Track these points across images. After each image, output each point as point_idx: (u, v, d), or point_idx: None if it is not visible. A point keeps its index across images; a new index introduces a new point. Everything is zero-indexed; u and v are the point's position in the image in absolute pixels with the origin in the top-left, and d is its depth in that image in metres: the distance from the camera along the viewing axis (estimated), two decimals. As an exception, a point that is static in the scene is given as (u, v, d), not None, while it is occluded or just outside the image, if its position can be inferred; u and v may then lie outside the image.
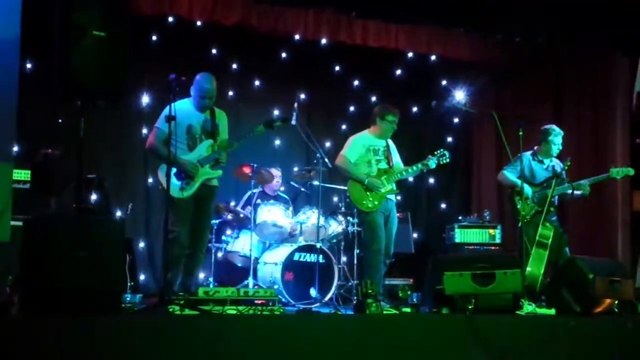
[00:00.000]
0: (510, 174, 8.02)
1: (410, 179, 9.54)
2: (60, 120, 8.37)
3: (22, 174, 7.17)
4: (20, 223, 5.00)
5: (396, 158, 7.88)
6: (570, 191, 7.79)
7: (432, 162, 7.69)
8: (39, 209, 7.46)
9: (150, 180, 9.08)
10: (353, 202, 7.68)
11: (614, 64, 9.73)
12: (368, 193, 7.49)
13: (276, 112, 9.75)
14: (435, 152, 7.77)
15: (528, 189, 7.87)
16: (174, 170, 6.52)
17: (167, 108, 6.18)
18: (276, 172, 8.90)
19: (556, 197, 7.90)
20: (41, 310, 4.39)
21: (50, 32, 5.27)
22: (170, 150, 5.91)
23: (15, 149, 5.13)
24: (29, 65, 8.36)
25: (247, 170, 8.27)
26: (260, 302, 6.49)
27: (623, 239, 9.59)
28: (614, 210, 9.67)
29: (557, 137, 8.03)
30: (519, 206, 7.72)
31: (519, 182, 7.61)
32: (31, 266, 4.57)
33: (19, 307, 4.62)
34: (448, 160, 7.81)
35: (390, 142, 7.90)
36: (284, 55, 10.15)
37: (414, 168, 7.69)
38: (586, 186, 7.85)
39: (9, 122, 5.02)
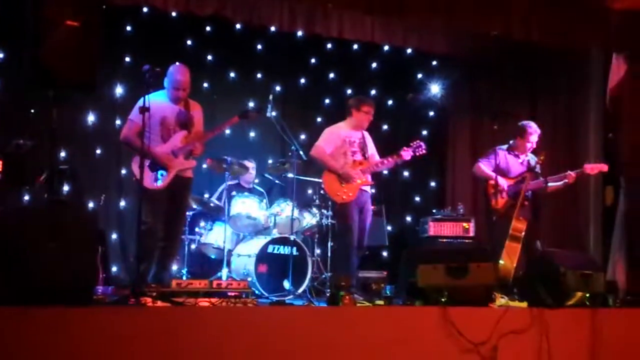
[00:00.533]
0: (485, 167, 8.05)
1: (385, 171, 9.54)
2: (32, 111, 8.30)
3: (-7, 165, 7.10)
4: (-10, 214, 4.95)
5: (372, 150, 7.89)
6: (544, 185, 7.84)
7: (407, 154, 7.68)
8: (11, 200, 7.41)
9: (123, 171, 9.01)
10: (327, 193, 7.72)
11: (589, 58, 9.77)
12: (343, 184, 7.50)
13: (251, 104, 9.73)
14: (411, 144, 7.77)
15: (503, 182, 7.90)
16: (148, 161, 6.50)
17: (141, 100, 6.16)
18: (250, 164, 8.89)
19: (530, 191, 7.94)
20: (12, 302, 4.35)
21: (22, 21, 5.22)
22: (143, 142, 5.87)
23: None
24: (0, 55, 8.27)
25: (221, 162, 8.24)
26: (233, 294, 6.47)
27: (595, 233, 9.65)
28: (586, 205, 9.73)
29: (532, 135, 8.06)
30: (493, 199, 7.76)
31: (493, 174, 7.65)
32: (2, 257, 4.52)
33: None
34: (424, 151, 7.81)
35: (366, 133, 7.91)
36: (259, 47, 10.14)
37: (389, 159, 7.69)
38: (572, 177, 7.87)
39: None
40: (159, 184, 6.62)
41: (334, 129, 7.83)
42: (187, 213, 8.23)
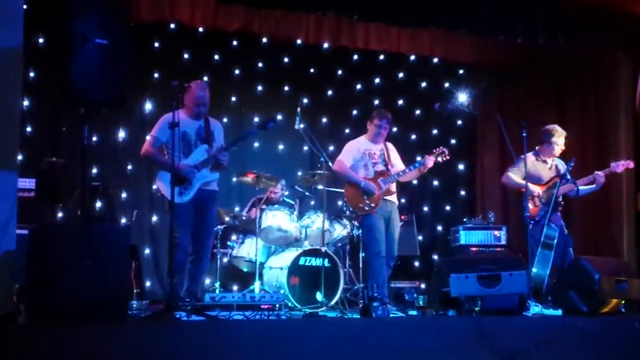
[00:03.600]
0: (515, 176, 7.99)
1: (415, 181, 9.53)
2: (64, 129, 8.40)
3: (26, 183, 7.18)
4: (25, 231, 5.00)
5: (396, 160, 7.89)
6: (575, 190, 7.77)
7: (429, 161, 7.62)
8: (44, 217, 7.49)
9: (154, 186, 9.06)
10: (350, 205, 7.75)
11: (616, 63, 9.71)
12: (364, 196, 7.53)
13: (279, 117, 9.79)
14: (434, 150, 7.72)
15: (536, 189, 7.85)
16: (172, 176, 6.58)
17: (163, 117, 6.39)
18: (279, 178, 8.89)
19: (561, 196, 7.87)
20: (48, 319, 4.40)
21: (52, 40, 5.29)
22: (172, 157, 5.93)
23: (20, 157, 5.14)
24: (32, 74, 8.38)
25: (250, 176, 8.28)
26: (266, 307, 6.49)
27: (628, 239, 9.56)
28: (619, 210, 9.64)
29: (559, 137, 8.01)
30: (527, 207, 7.72)
31: (523, 182, 7.61)
32: (37, 275, 4.58)
33: (26, 315, 4.63)
34: (448, 157, 7.75)
35: (389, 145, 7.91)
36: (286, 60, 10.18)
37: (411, 167, 7.67)
38: (600, 176, 7.81)
39: (13, 130, 5.02)
40: (184, 198, 6.64)
41: (353, 142, 7.87)
42: (219, 227, 8.30)
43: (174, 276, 6.41)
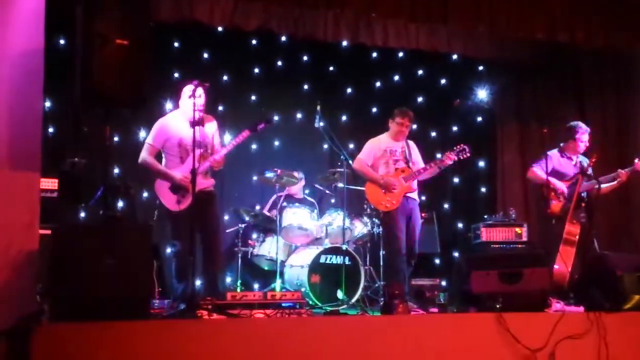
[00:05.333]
0: (540, 171, 7.95)
1: (435, 179, 9.50)
2: (85, 129, 8.44)
3: (49, 183, 7.23)
4: (48, 231, 5.04)
5: (416, 158, 7.92)
6: (597, 186, 7.73)
7: (450, 158, 7.63)
8: (67, 217, 7.54)
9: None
10: (370, 203, 7.82)
11: (636, 58, 9.63)
12: (385, 193, 7.56)
13: (299, 116, 9.83)
14: (455, 147, 7.74)
15: (561, 185, 7.82)
16: (168, 184, 6.73)
17: (158, 123, 6.71)
18: (299, 175, 8.92)
19: (584, 193, 7.83)
20: (71, 318, 4.43)
21: (73, 41, 5.32)
22: (194, 159, 5.97)
23: (42, 158, 5.17)
24: (53, 75, 8.39)
25: (270, 175, 8.30)
26: (287, 305, 6.50)
27: (651, 235, 9.50)
28: (641, 206, 9.59)
29: (583, 134, 7.99)
30: (551, 203, 7.71)
31: (549, 179, 7.58)
32: (60, 274, 4.62)
33: (49, 314, 4.67)
34: (469, 155, 7.75)
35: (410, 143, 7.95)
36: (305, 58, 10.19)
37: (432, 165, 7.70)
38: (622, 174, 7.77)
39: (35, 131, 5.06)
40: (182, 206, 6.68)
41: (374, 140, 7.93)
42: (240, 225, 8.35)
43: (181, 282, 6.54)
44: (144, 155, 6.82)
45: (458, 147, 7.73)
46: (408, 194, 7.67)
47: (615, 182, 7.85)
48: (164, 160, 6.86)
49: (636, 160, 7.86)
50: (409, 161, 7.77)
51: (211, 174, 6.93)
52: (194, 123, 5.96)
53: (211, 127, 6.99)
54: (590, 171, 7.82)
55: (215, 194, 7.01)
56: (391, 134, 7.85)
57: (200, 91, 6.59)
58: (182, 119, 6.84)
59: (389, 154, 7.75)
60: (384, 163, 7.73)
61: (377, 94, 10.71)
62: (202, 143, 6.76)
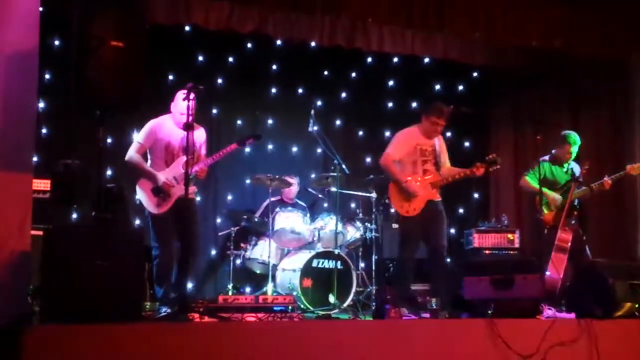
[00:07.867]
0: (532, 180, 7.93)
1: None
2: (79, 130, 8.43)
3: (42, 184, 7.23)
4: (40, 232, 5.03)
5: (445, 158, 7.60)
6: (589, 192, 7.73)
7: (479, 170, 7.32)
8: (59, 218, 7.53)
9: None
10: (391, 203, 7.50)
11: (631, 67, 9.66)
12: (405, 197, 7.31)
13: (293, 119, 9.83)
14: (487, 158, 7.39)
15: (554, 195, 7.81)
16: (151, 186, 6.77)
17: (149, 123, 6.77)
18: (292, 179, 8.92)
19: (576, 200, 7.84)
20: (62, 319, 4.42)
21: (67, 43, 5.31)
22: (188, 161, 5.99)
23: (35, 159, 5.16)
24: (47, 76, 8.41)
25: (263, 179, 8.30)
26: (279, 309, 6.50)
27: (644, 242, 9.51)
28: (634, 214, 9.58)
29: (574, 146, 7.94)
30: (545, 211, 7.71)
31: (540, 187, 7.59)
32: (51, 275, 4.61)
33: (40, 315, 4.66)
34: (499, 166, 7.47)
35: (440, 140, 7.63)
36: (300, 62, 10.19)
37: (461, 174, 7.42)
38: (607, 181, 7.76)
39: (28, 132, 5.06)
40: (161, 210, 6.70)
41: (406, 134, 7.53)
42: (232, 229, 8.36)
43: (163, 284, 6.54)
44: (132, 153, 6.84)
45: (489, 158, 7.38)
46: (431, 199, 7.41)
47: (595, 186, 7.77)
48: (148, 161, 6.86)
49: (628, 166, 7.87)
50: (438, 162, 7.46)
51: (195, 181, 6.95)
52: (187, 126, 5.95)
53: (200, 136, 7.00)
54: (581, 178, 7.82)
55: (194, 202, 7.10)
56: (424, 131, 7.44)
57: (190, 97, 6.60)
58: (173, 123, 6.86)
59: (419, 152, 7.37)
60: (412, 162, 7.36)
61: (372, 98, 10.70)
62: (190, 151, 6.74)
